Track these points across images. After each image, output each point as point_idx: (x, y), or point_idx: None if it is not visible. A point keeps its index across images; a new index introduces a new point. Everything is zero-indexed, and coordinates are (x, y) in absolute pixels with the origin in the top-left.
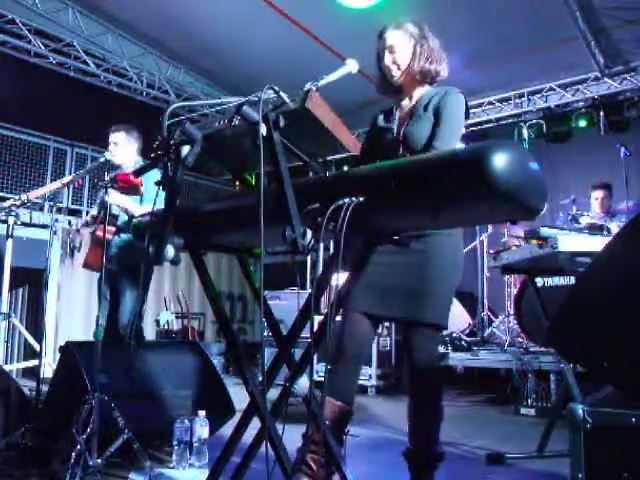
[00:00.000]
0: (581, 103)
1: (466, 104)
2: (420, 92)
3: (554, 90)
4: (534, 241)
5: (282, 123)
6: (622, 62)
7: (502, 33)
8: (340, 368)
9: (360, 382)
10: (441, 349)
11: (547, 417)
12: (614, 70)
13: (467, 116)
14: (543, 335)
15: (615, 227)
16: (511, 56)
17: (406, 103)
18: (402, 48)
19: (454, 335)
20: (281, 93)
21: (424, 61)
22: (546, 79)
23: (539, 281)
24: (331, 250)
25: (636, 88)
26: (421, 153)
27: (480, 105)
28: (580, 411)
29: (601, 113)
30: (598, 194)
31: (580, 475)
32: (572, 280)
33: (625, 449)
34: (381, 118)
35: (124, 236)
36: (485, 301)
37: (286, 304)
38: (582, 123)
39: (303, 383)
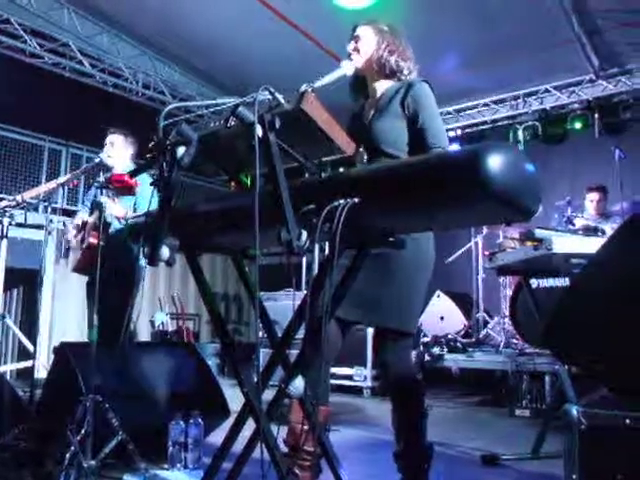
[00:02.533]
0: (576, 105)
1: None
2: (384, 86)
3: (549, 92)
4: (529, 242)
5: (277, 124)
6: (617, 64)
7: (498, 35)
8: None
9: (355, 383)
10: (436, 350)
11: (542, 418)
12: (609, 72)
13: None
14: (538, 336)
15: (609, 229)
16: (507, 58)
17: (371, 100)
18: (366, 38)
19: (449, 336)
20: (276, 94)
21: (384, 50)
22: (541, 81)
23: (534, 282)
24: (326, 251)
25: (631, 90)
26: (383, 149)
27: (475, 106)
28: (574, 412)
29: (596, 115)
30: (594, 196)
31: (574, 476)
32: (567, 281)
33: (619, 450)
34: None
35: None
36: (480, 302)
37: (281, 305)
38: (577, 125)
39: (298, 384)
